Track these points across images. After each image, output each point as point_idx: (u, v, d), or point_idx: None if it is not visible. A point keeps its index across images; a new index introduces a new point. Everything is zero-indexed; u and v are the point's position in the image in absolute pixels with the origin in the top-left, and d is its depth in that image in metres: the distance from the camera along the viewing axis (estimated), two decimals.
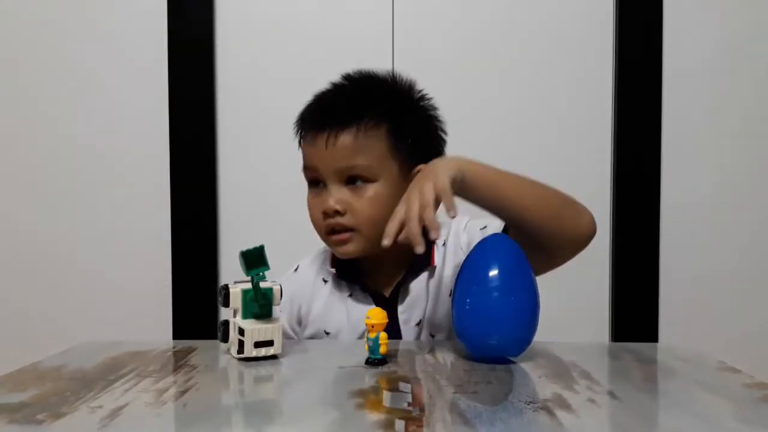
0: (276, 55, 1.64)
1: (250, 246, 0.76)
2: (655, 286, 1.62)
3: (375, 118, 0.93)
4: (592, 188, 1.63)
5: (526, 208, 0.85)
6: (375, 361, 0.75)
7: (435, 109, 0.99)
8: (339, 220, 0.92)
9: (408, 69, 1.02)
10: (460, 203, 1.01)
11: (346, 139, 0.92)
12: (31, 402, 0.61)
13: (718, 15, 1.62)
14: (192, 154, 1.63)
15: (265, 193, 1.65)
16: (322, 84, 1.68)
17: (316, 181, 0.96)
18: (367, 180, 0.93)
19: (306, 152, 0.97)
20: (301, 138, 1.00)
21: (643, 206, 1.62)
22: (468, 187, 0.82)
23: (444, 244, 0.99)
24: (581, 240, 0.90)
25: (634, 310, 1.62)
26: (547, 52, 1.64)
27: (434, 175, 0.79)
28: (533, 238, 0.85)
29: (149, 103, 1.63)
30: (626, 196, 1.61)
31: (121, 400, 0.61)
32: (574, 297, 1.61)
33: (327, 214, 0.93)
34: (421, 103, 0.98)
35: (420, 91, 0.99)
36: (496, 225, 0.95)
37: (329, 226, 0.94)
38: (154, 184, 1.64)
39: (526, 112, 1.63)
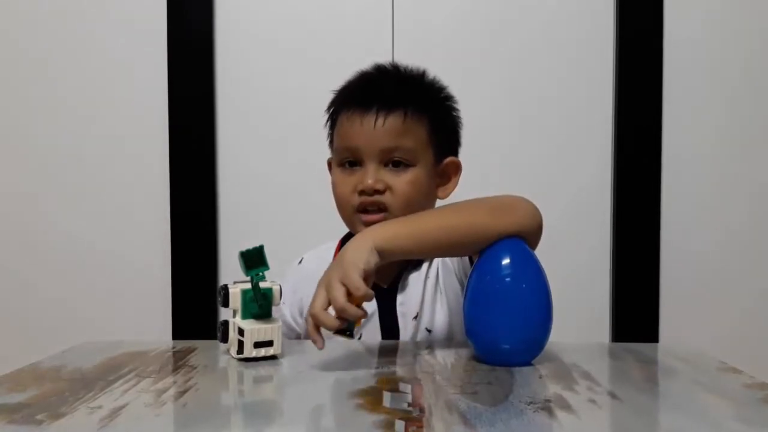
0: (276, 53, 1.64)
1: (250, 246, 0.76)
2: (655, 286, 1.62)
3: (420, 105, 0.96)
4: (592, 188, 1.63)
5: (461, 240, 0.81)
6: (345, 332, 0.75)
7: (459, 111, 1.04)
8: (377, 198, 0.94)
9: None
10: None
11: (395, 120, 0.94)
12: (30, 402, 0.61)
13: (717, 2, 1.62)
14: (192, 154, 1.63)
15: (265, 193, 1.64)
16: (321, 82, 1.68)
17: (351, 161, 0.97)
18: (408, 164, 0.95)
19: (346, 131, 0.97)
20: (334, 117, 1.01)
21: (644, 206, 1.61)
22: (390, 255, 0.78)
23: None
24: (531, 235, 0.83)
25: (634, 310, 1.62)
26: (546, 48, 1.63)
27: (344, 268, 0.74)
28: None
29: (149, 102, 1.63)
30: (627, 196, 1.61)
31: (121, 400, 0.61)
32: (574, 297, 1.61)
33: (364, 192, 0.94)
34: (452, 103, 1.03)
35: (449, 92, 1.03)
36: None
37: (363, 204, 0.94)
38: (153, 184, 1.64)
39: (525, 108, 1.63)
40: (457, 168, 1.02)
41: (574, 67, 1.63)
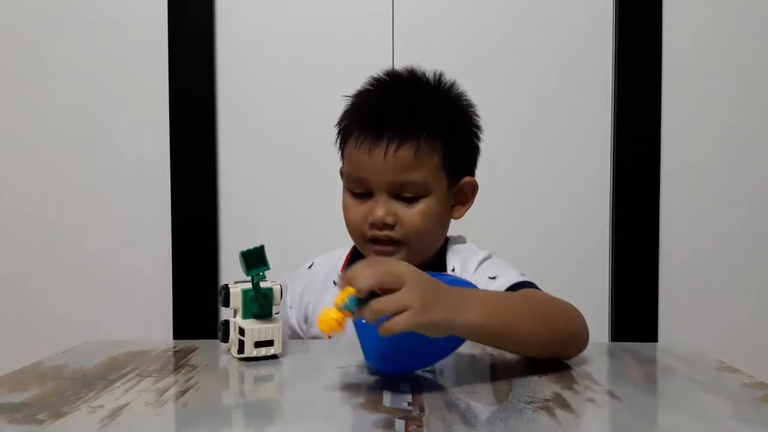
0: (276, 53, 1.64)
1: (251, 246, 0.76)
2: (654, 286, 1.62)
3: (433, 132, 0.91)
4: (592, 189, 1.63)
5: (525, 346, 0.76)
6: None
7: (479, 117, 0.98)
8: (388, 232, 0.90)
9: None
10: (468, 232, 1.02)
11: (406, 153, 0.89)
12: (31, 402, 0.61)
13: (716, 7, 1.62)
14: (192, 154, 1.63)
15: (266, 193, 1.65)
16: (321, 82, 1.69)
17: (361, 192, 0.92)
18: (419, 195, 0.91)
19: (355, 160, 0.92)
20: (344, 140, 0.95)
21: (643, 206, 1.61)
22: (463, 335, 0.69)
23: (453, 270, 0.96)
24: (573, 355, 0.79)
25: (634, 310, 1.62)
26: (546, 47, 1.63)
27: (425, 310, 0.62)
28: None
29: (150, 102, 1.63)
30: (626, 195, 1.61)
31: (122, 399, 0.61)
32: (574, 297, 1.60)
33: (374, 225, 0.90)
34: (470, 112, 0.97)
35: (466, 97, 0.97)
36: (505, 280, 0.89)
37: (375, 237, 0.91)
38: (154, 184, 1.64)
39: (525, 109, 1.63)
40: (473, 188, 0.97)
41: (574, 69, 1.63)
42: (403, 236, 0.90)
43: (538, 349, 0.75)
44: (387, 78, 0.96)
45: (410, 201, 0.91)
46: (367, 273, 0.63)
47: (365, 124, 0.91)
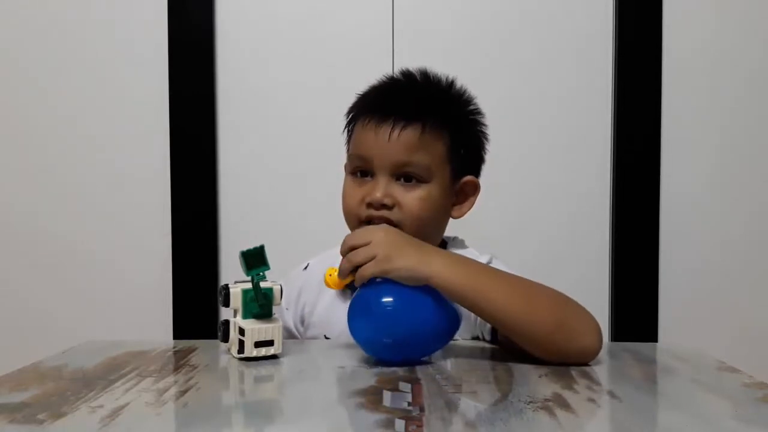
0: (277, 53, 1.64)
1: (251, 246, 0.76)
2: (655, 286, 1.62)
3: (440, 119, 0.92)
4: (592, 189, 1.63)
5: (511, 327, 0.78)
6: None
7: (486, 126, 0.99)
8: (384, 213, 0.90)
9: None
10: (468, 234, 1.03)
11: (411, 133, 0.90)
12: (31, 402, 0.61)
13: (716, 9, 1.62)
14: (192, 154, 1.63)
15: (266, 193, 1.65)
16: (321, 82, 1.69)
17: (363, 171, 0.93)
18: (421, 180, 0.91)
19: (361, 140, 0.93)
20: (352, 125, 0.97)
21: (643, 206, 1.61)
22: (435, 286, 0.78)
23: None
24: (579, 361, 0.77)
25: (634, 310, 1.62)
26: (546, 49, 1.63)
27: (388, 259, 0.78)
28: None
29: (149, 102, 1.63)
30: (626, 196, 1.61)
31: (122, 399, 0.61)
32: (574, 297, 1.61)
33: (371, 206, 0.90)
34: (478, 118, 0.99)
35: (476, 104, 0.99)
36: None
37: (370, 218, 0.90)
38: (154, 184, 1.64)
39: (525, 111, 1.63)
40: (475, 188, 0.97)
41: (574, 69, 1.63)
42: (400, 220, 0.90)
43: (519, 331, 0.77)
44: (400, 75, 0.98)
45: (411, 186, 0.91)
46: (343, 242, 0.82)
47: (373, 108, 0.93)
